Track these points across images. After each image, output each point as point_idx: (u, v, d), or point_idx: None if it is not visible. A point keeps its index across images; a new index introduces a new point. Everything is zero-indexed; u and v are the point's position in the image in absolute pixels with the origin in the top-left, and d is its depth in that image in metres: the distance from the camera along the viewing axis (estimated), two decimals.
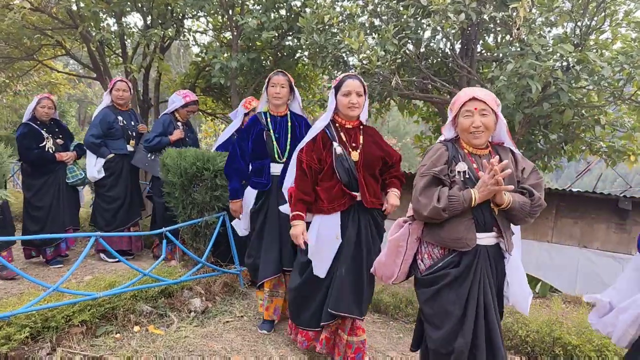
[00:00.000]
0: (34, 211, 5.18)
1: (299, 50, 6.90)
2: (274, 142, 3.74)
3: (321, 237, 3.18)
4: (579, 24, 4.64)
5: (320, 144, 3.17)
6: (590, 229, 6.09)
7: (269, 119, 3.81)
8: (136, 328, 3.74)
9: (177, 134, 5.33)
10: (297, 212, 3.18)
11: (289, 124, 3.84)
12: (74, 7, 6.66)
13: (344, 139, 3.18)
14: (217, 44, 7.84)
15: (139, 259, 5.61)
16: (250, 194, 3.86)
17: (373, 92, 5.26)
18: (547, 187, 7.37)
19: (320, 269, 3.21)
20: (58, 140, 5.26)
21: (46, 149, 5.12)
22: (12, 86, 9.83)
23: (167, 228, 4.16)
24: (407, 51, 4.98)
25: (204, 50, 7.73)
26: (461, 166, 2.46)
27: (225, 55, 6.05)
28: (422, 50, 5.25)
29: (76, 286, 4.09)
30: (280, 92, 3.76)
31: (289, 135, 3.79)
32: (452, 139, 2.64)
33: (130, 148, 5.44)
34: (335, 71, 5.57)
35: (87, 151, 5.29)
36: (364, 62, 4.52)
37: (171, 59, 18.23)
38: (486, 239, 2.50)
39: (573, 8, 4.40)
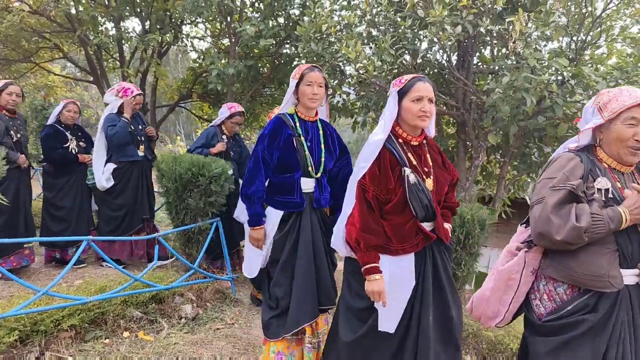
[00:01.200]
0: (56, 211, 5.26)
1: (296, 58, 6.93)
2: (307, 152, 3.04)
3: (388, 283, 2.41)
4: (574, 38, 4.69)
5: (388, 168, 2.42)
6: None
7: (297, 123, 3.07)
8: (126, 334, 3.71)
9: (218, 147, 5.12)
10: (373, 264, 2.37)
11: (321, 131, 3.16)
12: (73, 11, 6.67)
13: (414, 162, 2.47)
14: (215, 50, 7.87)
15: (130, 264, 5.57)
16: (273, 217, 3.10)
17: (369, 101, 5.29)
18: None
19: (389, 323, 2.43)
20: (81, 143, 5.36)
21: (69, 150, 5.22)
22: None
23: (161, 233, 4.15)
24: (404, 62, 5.00)
25: (202, 57, 7.75)
26: (603, 182, 2.03)
27: (223, 61, 6.07)
28: (419, 61, 5.28)
29: (66, 290, 4.06)
30: (319, 93, 3.03)
31: (322, 146, 3.12)
32: (586, 149, 2.18)
33: (140, 154, 5.37)
34: (332, 80, 5.59)
35: (95, 159, 5.21)
36: (361, 71, 4.54)
37: (169, 64, 18.27)
38: (630, 277, 2.01)
39: (569, 23, 4.44)
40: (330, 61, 5.01)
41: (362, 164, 2.44)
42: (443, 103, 5.65)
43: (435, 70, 5.70)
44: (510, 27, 4.37)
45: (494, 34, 4.88)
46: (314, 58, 5.17)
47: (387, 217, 2.43)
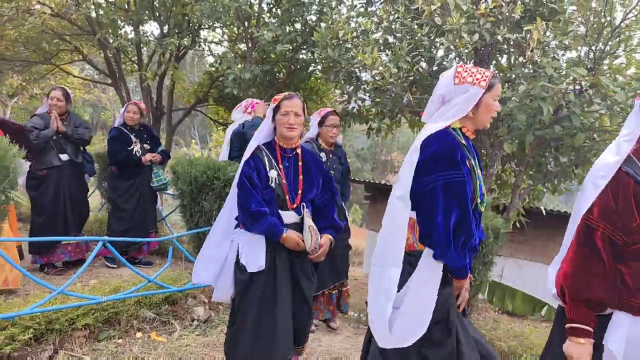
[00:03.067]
0: (119, 212, 5.41)
1: (312, 64, 6.96)
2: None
3: (625, 353, 1.86)
4: (592, 48, 4.65)
5: (632, 201, 1.86)
6: None
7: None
8: (138, 334, 3.74)
9: None
10: (582, 326, 1.88)
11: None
12: (93, 14, 6.77)
13: None
14: (232, 55, 7.93)
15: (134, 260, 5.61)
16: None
17: (384, 108, 5.29)
18: (557, 210, 7.32)
19: None
20: (145, 145, 5.45)
21: (133, 152, 5.31)
22: (29, 89, 9.98)
23: (175, 235, 4.19)
24: (420, 69, 5.00)
25: (219, 61, 7.82)
26: None
27: (239, 66, 6.11)
28: (435, 68, 5.28)
29: (81, 290, 4.11)
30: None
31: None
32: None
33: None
34: (348, 86, 5.60)
35: None
36: (377, 78, 4.55)
37: (185, 68, 18.43)
38: None
39: (587, 32, 4.41)
40: (347, 67, 5.02)
41: (587, 193, 1.95)
42: None
43: None
44: (528, 36, 4.35)
45: (511, 42, 4.86)
46: (330, 64, 5.19)
47: (627, 262, 1.89)
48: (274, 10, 6.71)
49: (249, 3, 6.16)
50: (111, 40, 6.59)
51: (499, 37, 4.44)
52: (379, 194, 9.66)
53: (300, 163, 2.94)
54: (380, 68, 4.47)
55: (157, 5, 7.14)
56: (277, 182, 2.80)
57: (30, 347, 3.27)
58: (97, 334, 3.60)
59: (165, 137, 8.84)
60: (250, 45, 6.66)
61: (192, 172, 4.57)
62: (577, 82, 4.23)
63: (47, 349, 3.28)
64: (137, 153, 5.34)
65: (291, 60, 7.03)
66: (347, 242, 4.44)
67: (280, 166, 2.85)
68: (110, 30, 6.88)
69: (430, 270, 2.19)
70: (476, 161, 2.35)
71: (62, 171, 5.01)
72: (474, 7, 4.37)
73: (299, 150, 2.97)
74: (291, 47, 6.18)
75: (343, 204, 4.31)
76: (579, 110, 4.18)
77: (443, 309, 2.21)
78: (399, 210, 2.22)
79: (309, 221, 2.79)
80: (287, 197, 2.81)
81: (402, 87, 4.68)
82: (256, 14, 6.61)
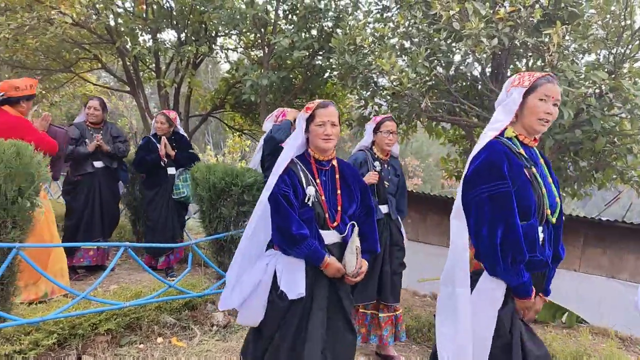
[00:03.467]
0: (147, 221, 5.56)
1: (328, 70, 6.98)
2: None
3: None
4: (612, 51, 4.60)
5: None
6: (619, 260, 5.95)
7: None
8: (159, 339, 3.77)
9: (368, 178, 3.77)
10: None
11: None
12: (112, 23, 6.87)
13: None
14: (248, 61, 7.98)
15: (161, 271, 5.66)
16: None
17: (401, 113, 5.28)
18: (575, 215, 7.24)
19: None
20: (173, 153, 5.46)
21: (156, 160, 5.36)
22: (48, 97, 10.14)
23: (195, 240, 4.22)
24: (437, 74, 4.99)
25: (235, 68, 7.88)
26: None
27: (256, 72, 6.15)
28: (452, 73, 5.26)
29: (103, 295, 4.15)
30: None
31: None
32: None
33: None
34: (364, 92, 5.60)
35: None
36: (395, 83, 4.55)
37: (199, 75, 18.58)
38: None
39: (607, 36, 4.36)
40: (364, 73, 5.03)
41: None
42: (476, 115, 5.60)
43: (468, 82, 5.66)
44: (547, 39, 4.32)
45: (530, 46, 4.83)
46: (348, 70, 5.20)
47: None
48: (289, 17, 6.75)
49: (265, 10, 6.21)
50: (130, 49, 6.67)
51: (517, 41, 4.42)
52: None
53: (337, 176, 2.70)
54: (398, 73, 4.47)
55: (175, 13, 7.23)
56: (315, 199, 2.56)
57: (53, 352, 3.32)
58: (119, 339, 3.64)
59: None
60: (267, 51, 6.70)
61: (211, 179, 4.61)
62: (598, 85, 4.19)
63: (71, 354, 3.33)
64: (162, 162, 5.37)
65: (307, 67, 7.05)
66: (403, 260, 4.04)
67: (317, 181, 2.61)
68: (129, 39, 6.97)
69: (489, 288, 2.13)
70: (541, 168, 2.28)
71: (96, 177, 5.15)
72: (492, 12, 4.36)
73: (335, 162, 2.73)
74: (307, 54, 6.21)
75: (399, 219, 4.06)
76: (600, 114, 4.14)
77: (504, 330, 2.13)
78: (456, 229, 2.20)
79: (357, 241, 2.55)
80: (327, 216, 2.58)
81: (420, 92, 4.67)
82: (272, 21, 6.65)
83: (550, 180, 2.30)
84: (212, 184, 4.60)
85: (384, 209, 3.86)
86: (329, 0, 6.24)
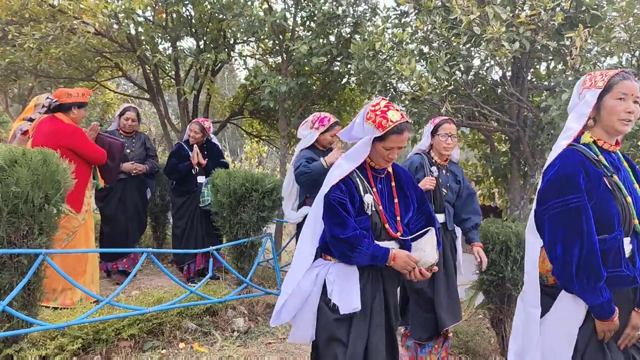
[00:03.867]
0: (175, 228, 5.62)
1: (347, 76, 6.99)
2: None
3: None
4: (636, 54, 4.54)
5: None
6: None
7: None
8: (181, 345, 3.79)
9: (424, 184, 3.58)
10: None
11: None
12: (133, 32, 6.97)
13: None
14: (266, 68, 8.03)
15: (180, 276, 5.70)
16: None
17: (421, 118, 5.27)
18: None
19: None
20: (203, 161, 5.49)
21: (187, 168, 5.42)
22: None
23: (214, 247, 4.25)
24: (457, 78, 4.98)
25: (253, 74, 7.94)
26: None
27: (275, 79, 6.19)
28: (471, 77, 5.24)
29: (125, 300, 4.20)
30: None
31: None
32: None
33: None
34: (383, 97, 5.60)
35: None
36: (415, 88, 4.54)
37: (217, 82, 18.71)
38: None
39: (630, 38, 4.31)
40: (384, 78, 5.03)
41: None
42: (495, 119, 5.56)
43: (488, 87, 5.63)
44: (569, 42, 4.28)
45: (551, 50, 4.79)
46: (367, 75, 5.21)
47: None
48: (308, 23, 6.78)
49: (284, 17, 6.25)
50: (150, 57, 6.76)
51: (538, 45, 4.39)
52: None
53: (393, 183, 2.54)
54: (418, 78, 4.46)
55: (194, 21, 7.30)
56: (373, 208, 2.41)
57: (78, 357, 3.36)
58: (142, 345, 3.67)
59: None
60: (285, 58, 6.74)
61: (231, 185, 4.63)
62: None
63: (95, 359, 3.36)
64: (193, 170, 5.40)
65: (326, 73, 7.07)
66: (455, 276, 3.76)
67: (374, 189, 2.45)
68: (149, 47, 7.06)
69: (567, 305, 2.01)
70: (626, 174, 2.10)
71: (127, 184, 5.25)
72: (512, 15, 4.34)
73: (390, 169, 2.57)
74: (326, 60, 6.23)
75: (455, 231, 3.75)
76: None
77: (583, 349, 1.99)
78: (530, 245, 2.13)
79: (435, 237, 2.46)
80: (387, 226, 2.41)
81: (440, 97, 4.66)
82: (291, 28, 6.69)
83: (636, 186, 2.12)
84: (233, 190, 4.62)
85: (440, 218, 3.57)
86: (347, 7, 6.25)
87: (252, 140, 11.09)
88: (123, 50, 7.54)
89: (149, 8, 6.86)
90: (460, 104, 5.29)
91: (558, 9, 4.44)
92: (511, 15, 4.28)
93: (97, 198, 5.28)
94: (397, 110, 2.40)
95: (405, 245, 2.45)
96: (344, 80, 7.15)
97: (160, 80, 8.40)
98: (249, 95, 8.29)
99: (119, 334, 3.56)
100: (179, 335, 3.88)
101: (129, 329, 3.59)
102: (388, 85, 5.33)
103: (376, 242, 2.35)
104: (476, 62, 5.15)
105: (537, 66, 5.71)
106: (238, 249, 4.84)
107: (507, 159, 5.97)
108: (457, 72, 5.07)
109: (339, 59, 6.72)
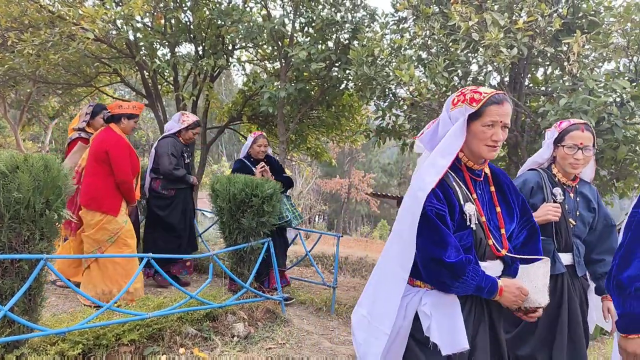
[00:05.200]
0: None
1: (345, 81, 7.03)
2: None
3: None
4: (633, 59, 4.58)
5: None
6: None
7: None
8: (181, 350, 3.78)
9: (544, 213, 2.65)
10: None
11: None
12: (132, 38, 6.99)
13: None
14: (265, 74, 8.07)
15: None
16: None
17: (419, 123, 5.29)
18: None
19: None
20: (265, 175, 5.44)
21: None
22: (69, 111, 10.32)
23: (215, 252, 4.25)
24: (456, 84, 5.01)
25: (252, 80, 7.97)
26: None
27: (273, 84, 6.23)
28: (469, 83, 5.27)
29: (126, 306, 4.19)
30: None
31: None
32: None
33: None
34: (382, 102, 5.64)
35: None
36: (414, 94, 4.57)
37: (214, 87, 18.75)
38: None
39: (628, 44, 4.35)
40: (382, 84, 5.06)
41: None
42: None
43: None
44: (566, 48, 4.32)
45: (548, 55, 4.83)
46: (366, 81, 5.24)
47: None
48: (306, 29, 6.82)
49: (283, 23, 6.28)
50: (149, 63, 6.79)
51: (535, 51, 4.42)
52: None
53: (492, 188, 2.01)
54: (417, 84, 4.49)
55: (193, 27, 7.34)
56: (476, 220, 1.88)
57: None
58: (142, 350, 3.65)
59: (200, 155, 9.01)
60: (284, 64, 6.77)
61: (231, 190, 4.64)
62: (619, 94, 4.17)
63: None
64: None
65: (324, 78, 7.11)
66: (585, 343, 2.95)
67: (474, 196, 1.93)
68: (148, 53, 7.09)
69: None
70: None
71: (188, 193, 5.37)
72: (510, 22, 4.37)
73: (487, 170, 2.03)
74: (324, 65, 6.26)
75: (588, 278, 2.84)
76: (621, 123, 4.12)
77: None
78: None
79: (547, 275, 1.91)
80: (490, 242, 1.90)
81: (439, 103, 4.69)
82: (289, 34, 6.73)
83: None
84: (232, 195, 4.63)
85: (565, 259, 2.67)
86: (346, 13, 6.30)
87: None
88: (122, 56, 7.56)
89: (147, 14, 6.89)
90: None
91: (555, 15, 4.48)
92: (509, 21, 4.31)
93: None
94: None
95: (511, 269, 1.95)
96: (343, 85, 7.18)
97: (159, 86, 8.42)
98: (248, 100, 8.31)
99: (120, 340, 3.55)
100: (179, 341, 3.87)
101: (129, 334, 3.57)
102: (387, 90, 5.37)
103: (480, 262, 1.87)
104: (474, 67, 5.20)
105: (535, 72, 5.75)
106: (238, 254, 4.85)
107: (504, 164, 6.01)
108: (455, 77, 5.11)
109: (337, 64, 6.75)
